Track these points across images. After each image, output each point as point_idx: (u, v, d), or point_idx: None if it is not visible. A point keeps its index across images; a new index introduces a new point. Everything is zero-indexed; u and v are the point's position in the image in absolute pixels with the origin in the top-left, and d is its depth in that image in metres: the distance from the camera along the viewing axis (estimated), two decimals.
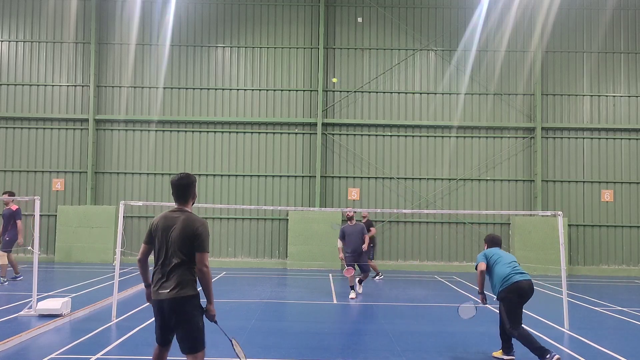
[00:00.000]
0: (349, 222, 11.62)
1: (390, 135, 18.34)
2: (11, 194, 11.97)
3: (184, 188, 4.50)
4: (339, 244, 11.60)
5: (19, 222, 12.20)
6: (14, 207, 12.35)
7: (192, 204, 4.61)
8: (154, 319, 4.49)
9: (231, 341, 4.83)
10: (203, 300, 4.41)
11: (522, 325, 6.29)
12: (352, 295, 11.32)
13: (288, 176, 18.26)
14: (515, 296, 6.29)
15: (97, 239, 17.56)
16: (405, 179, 18.20)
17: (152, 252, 4.51)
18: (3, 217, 12.42)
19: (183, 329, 4.26)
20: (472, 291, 12.67)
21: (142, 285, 12.26)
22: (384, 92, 18.44)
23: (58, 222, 17.69)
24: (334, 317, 9.59)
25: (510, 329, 6.21)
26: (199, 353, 4.31)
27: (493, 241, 6.99)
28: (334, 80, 17.75)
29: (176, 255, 4.30)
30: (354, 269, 11.60)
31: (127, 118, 18.35)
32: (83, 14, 18.62)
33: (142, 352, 6.62)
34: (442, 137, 18.34)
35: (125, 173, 18.35)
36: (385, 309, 10.14)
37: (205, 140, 18.41)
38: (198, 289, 4.39)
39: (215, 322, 4.51)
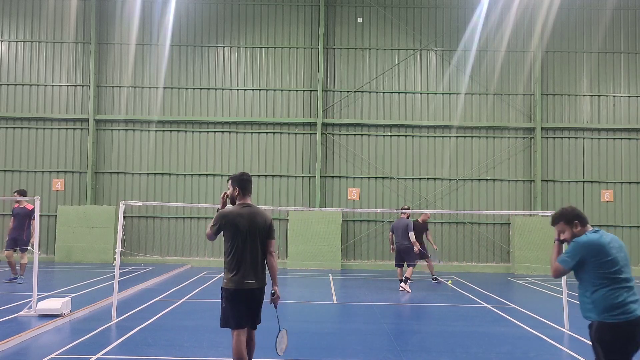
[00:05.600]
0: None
1: (390, 135, 18.34)
2: (23, 192, 11.92)
3: (248, 183, 5.08)
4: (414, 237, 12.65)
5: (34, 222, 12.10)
6: (29, 206, 12.32)
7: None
8: (231, 308, 4.92)
9: (280, 331, 5.35)
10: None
11: None
12: (408, 287, 12.34)
13: (288, 176, 18.26)
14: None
15: (97, 239, 17.56)
16: (405, 179, 18.19)
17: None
18: (16, 216, 12.36)
19: (259, 310, 5.13)
20: (471, 291, 12.67)
21: (141, 286, 12.29)
22: (384, 92, 18.43)
23: (58, 222, 17.68)
24: (334, 317, 9.58)
25: None
26: None
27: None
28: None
29: (260, 245, 4.95)
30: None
31: (127, 118, 18.35)
32: (83, 14, 18.62)
33: (142, 352, 6.61)
34: (442, 137, 18.33)
35: (125, 173, 18.35)
36: (385, 309, 10.14)
37: (205, 140, 18.41)
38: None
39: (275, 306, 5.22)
